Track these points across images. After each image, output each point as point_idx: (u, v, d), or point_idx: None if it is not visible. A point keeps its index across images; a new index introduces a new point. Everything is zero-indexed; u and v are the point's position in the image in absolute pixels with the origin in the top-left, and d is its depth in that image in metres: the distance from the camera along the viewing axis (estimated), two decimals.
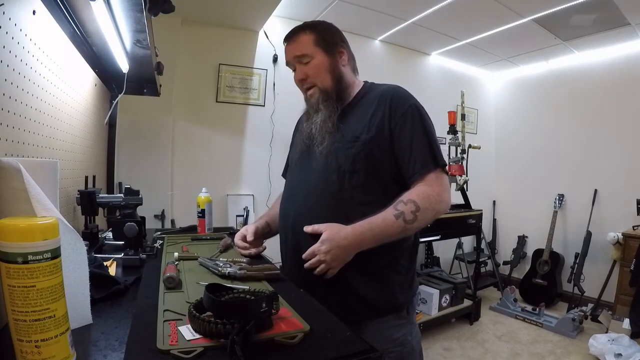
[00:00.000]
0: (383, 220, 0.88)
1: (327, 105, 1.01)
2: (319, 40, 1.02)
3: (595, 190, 3.37)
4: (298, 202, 1.02)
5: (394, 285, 0.97)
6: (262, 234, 1.17)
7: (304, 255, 0.90)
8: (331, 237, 0.87)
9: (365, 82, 1.11)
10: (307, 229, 0.92)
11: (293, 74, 1.08)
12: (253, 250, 1.11)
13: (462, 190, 3.06)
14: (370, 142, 0.95)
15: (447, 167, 0.98)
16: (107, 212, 1.31)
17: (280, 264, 1.11)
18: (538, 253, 3.49)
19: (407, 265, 1.01)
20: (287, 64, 1.08)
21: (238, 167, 2.90)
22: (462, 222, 2.94)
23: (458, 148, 3.08)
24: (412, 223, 0.88)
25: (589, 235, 3.29)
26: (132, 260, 1.04)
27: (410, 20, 2.95)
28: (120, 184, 2.12)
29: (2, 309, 0.49)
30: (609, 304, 2.97)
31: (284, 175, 1.25)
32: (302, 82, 1.05)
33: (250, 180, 2.90)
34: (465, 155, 3.10)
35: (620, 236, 2.92)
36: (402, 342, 0.97)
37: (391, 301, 0.97)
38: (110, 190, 1.95)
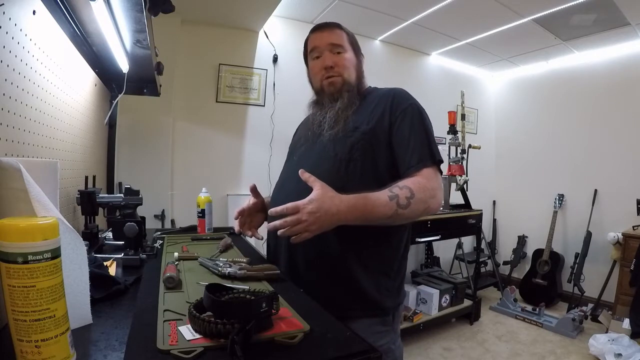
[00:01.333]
0: (377, 199, 0.84)
1: (349, 95, 1.03)
2: (351, 40, 1.09)
3: (595, 190, 3.37)
4: (290, 187, 1.01)
5: (382, 287, 0.96)
6: (262, 208, 1.16)
7: (284, 206, 0.79)
8: (322, 198, 0.79)
9: (370, 86, 1.13)
10: (304, 175, 0.84)
11: (314, 61, 1.08)
12: (248, 232, 1.10)
13: (462, 190, 3.06)
14: (369, 133, 0.96)
15: (442, 166, 0.97)
16: (107, 212, 1.31)
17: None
18: (538, 253, 3.49)
19: (397, 270, 1.00)
20: (313, 50, 1.08)
21: (238, 167, 2.90)
22: (462, 222, 2.94)
23: (458, 148, 3.08)
24: (404, 209, 0.84)
25: (589, 235, 3.29)
26: (132, 260, 1.04)
27: (410, 20, 2.95)
28: (120, 184, 2.12)
29: (2, 309, 0.49)
30: (609, 304, 2.97)
31: None
32: (329, 70, 1.04)
33: (250, 180, 2.85)
34: (465, 155, 3.10)
35: (620, 236, 2.92)
36: (384, 351, 0.95)
37: (379, 302, 0.96)
38: (110, 190, 1.95)
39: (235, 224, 1.13)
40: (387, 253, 0.98)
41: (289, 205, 0.79)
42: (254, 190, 1.14)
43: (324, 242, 0.94)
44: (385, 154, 0.96)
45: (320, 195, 0.80)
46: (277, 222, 0.80)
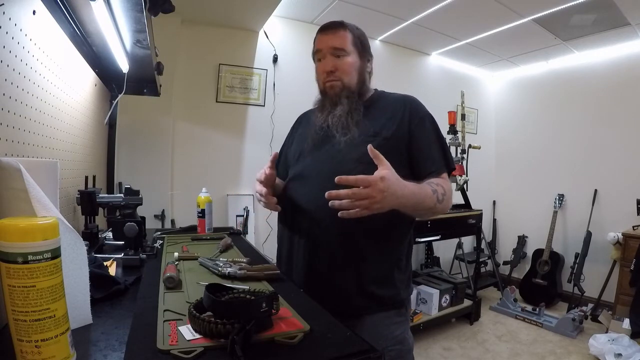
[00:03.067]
0: (425, 189, 0.90)
1: (349, 101, 1.03)
2: (356, 42, 1.07)
3: (595, 190, 3.37)
4: (313, 185, 1.01)
5: (396, 280, 1.00)
6: (273, 183, 1.11)
7: (356, 177, 0.76)
8: (392, 179, 0.79)
9: (376, 89, 1.13)
10: (373, 151, 0.82)
11: (317, 63, 1.08)
12: (272, 201, 1.03)
13: (462, 190, 3.06)
14: (390, 139, 0.99)
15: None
16: (107, 212, 1.31)
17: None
18: (538, 253, 3.49)
19: (405, 262, 1.05)
20: (317, 52, 1.08)
21: (238, 167, 2.90)
22: (462, 222, 2.94)
23: (458, 148, 3.08)
24: (440, 203, 0.91)
25: (589, 235, 3.29)
26: (132, 260, 1.04)
27: (410, 20, 2.95)
28: (120, 184, 2.12)
29: (2, 309, 0.49)
30: (609, 304, 2.97)
31: (277, 167, 1.17)
32: (329, 74, 1.05)
33: (250, 180, 2.89)
34: (465, 155, 3.11)
35: (620, 236, 2.92)
36: (401, 340, 0.99)
37: (394, 296, 1.00)
38: (110, 190, 1.95)
39: (257, 185, 1.05)
40: (398, 248, 1.02)
41: (361, 177, 0.76)
42: (275, 161, 1.08)
43: (346, 243, 0.97)
44: (403, 158, 0.99)
45: (390, 175, 0.79)
46: (342, 191, 0.76)
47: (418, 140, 1.00)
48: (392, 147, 0.98)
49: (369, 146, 0.83)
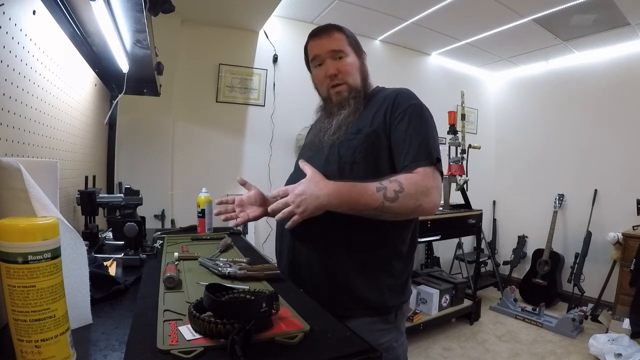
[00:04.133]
0: (363, 188, 0.84)
1: (356, 102, 1.03)
2: (350, 41, 1.06)
3: (595, 190, 3.37)
4: None
5: (383, 286, 0.96)
6: (263, 200, 1.19)
7: (278, 189, 0.87)
8: (309, 183, 0.85)
9: (377, 86, 1.12)
10: (301, 163, 0.91)
11: (316, 70, 1.07)
12: (239, 219, 1.13)
13: (462, 190, 3.06)
14: (371, 135, 0.96)
15: (441, 166, 0.94)
16: (107, 212, 1.31)
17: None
18: (538, 253, 3.49)
19: (401, 268, 0.99)
20: (314, 58, 1.06)
21: (238, 167, 2.90)
22: (462, 222, 2.94)
23: (458, 148, 3.08)
24: (391, 202, 0.82)
25: (589, 235, 3.29)
26: (132, 260, 1.04)
27: (410, 20, 2.95)
28: (120, 184, 2.12)
29: (2, 309, 0.49)
30: (609, 304, 2.97)
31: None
32: (333, 78, 1.03)
33: (250, 180, 2.83)
34: (465, 155, 3.10)
35: (620, 236, 2.92)
36: (386, 348, 0.95)
37: (378, 301, 0.95)
38: (110, 190, 1.95)
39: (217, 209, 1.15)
40: (391, 252, 0.98)
41: (281, 188, 0.87)
42: (244, 184, 1.17)
43: (325, 242, 0.96)
44: (386, 155, 0.95)
45: (307, 179, 0.86)
46: (272, 205, 0.86)
47: (395, 133, 0.94)
48: (372, 143, 0.95)
49: (300, 160, 0.91)
